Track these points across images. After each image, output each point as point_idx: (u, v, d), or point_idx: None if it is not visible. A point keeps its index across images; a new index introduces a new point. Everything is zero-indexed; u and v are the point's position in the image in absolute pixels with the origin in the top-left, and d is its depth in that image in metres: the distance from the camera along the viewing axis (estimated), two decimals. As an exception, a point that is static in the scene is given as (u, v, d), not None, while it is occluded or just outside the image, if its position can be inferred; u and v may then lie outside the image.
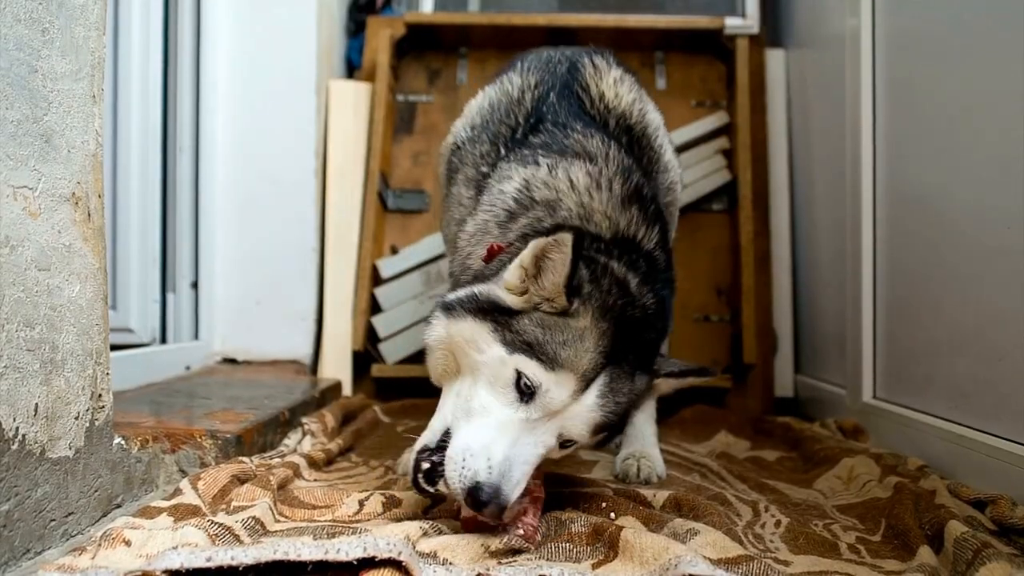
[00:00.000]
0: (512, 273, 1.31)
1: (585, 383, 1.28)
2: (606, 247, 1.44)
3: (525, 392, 1.26)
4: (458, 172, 1.83)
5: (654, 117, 1.85)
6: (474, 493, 1.20)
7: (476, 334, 1.31)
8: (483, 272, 1.46)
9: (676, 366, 1.44)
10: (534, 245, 1.28)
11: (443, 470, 1.25)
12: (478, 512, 1.21)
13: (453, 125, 1.95)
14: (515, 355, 1.27)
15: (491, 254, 1.48)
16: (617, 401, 1.32)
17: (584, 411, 1.29)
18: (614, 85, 1.80)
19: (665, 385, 1.47)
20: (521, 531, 1.23)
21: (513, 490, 1.22)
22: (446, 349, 1.37)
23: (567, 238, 1.23)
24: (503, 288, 1.33)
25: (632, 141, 1.76)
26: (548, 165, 1.57)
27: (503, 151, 1.71)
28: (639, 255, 1.48)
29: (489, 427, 1.26)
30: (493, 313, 1.31)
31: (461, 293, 1.37)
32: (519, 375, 1.26)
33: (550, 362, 1.26)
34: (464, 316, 1.32)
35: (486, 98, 1.89)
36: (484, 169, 1.73)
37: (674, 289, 1.60)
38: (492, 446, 1.23)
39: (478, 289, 1.36)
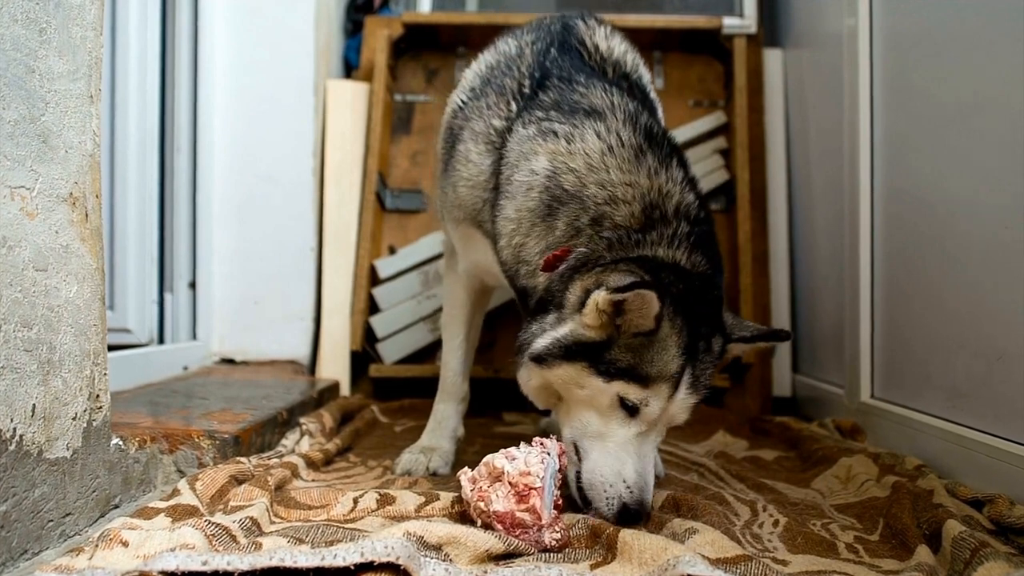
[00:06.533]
0: (591, 317, 1.38)
1: (676, 382, 1.38)
2: (643, 230, 1.47)
3: (629, 408, 1.38)
4: (463, 130, 1.82)
5: (645, 72, 1.94)
6: (623, 515, 1.35)
7: (574, 375, 1.40)
8: (551, 289, 1.48)
9: (748, 330, 1.51)
10: (609, 299, 1.33)
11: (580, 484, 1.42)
12: (626, 527, 1.31)
13: (450, 97, 1.96)
14: (613, 383, 1.37)
15: (549, 265, 1.52)
16: (705, 377, 1.44)
17: (681, 403, 1.41)
18: (606, 38, 1.88)
19: (736, 349, 1.52)
20: (558, 534, 1.25)
21: (651, 495, 1.40)
22: (543, 388, 1.48)
23: (650, 296, 1.29)
24: (583, 326, 1.39)
25: (631, 87, 1.82)
26: (566, 137, 1.59)
27: (514, 106, 1.73)
28: (675, 213, 1.50)
29: (611, 453, 1.40)
30: (582, 350, 1.39)
31: (546, 341, 1.43)
32: (621, 398, 1.38)
33: (645, 380, 1.36)
34: (557, 363, 1.41)
35: (482, 62, 1.93)
36: (496, 123, 1.73)
37: (710, 217, 1.58)
38: (623, 470, 1.38)
39: (560, 334, 1.42)
